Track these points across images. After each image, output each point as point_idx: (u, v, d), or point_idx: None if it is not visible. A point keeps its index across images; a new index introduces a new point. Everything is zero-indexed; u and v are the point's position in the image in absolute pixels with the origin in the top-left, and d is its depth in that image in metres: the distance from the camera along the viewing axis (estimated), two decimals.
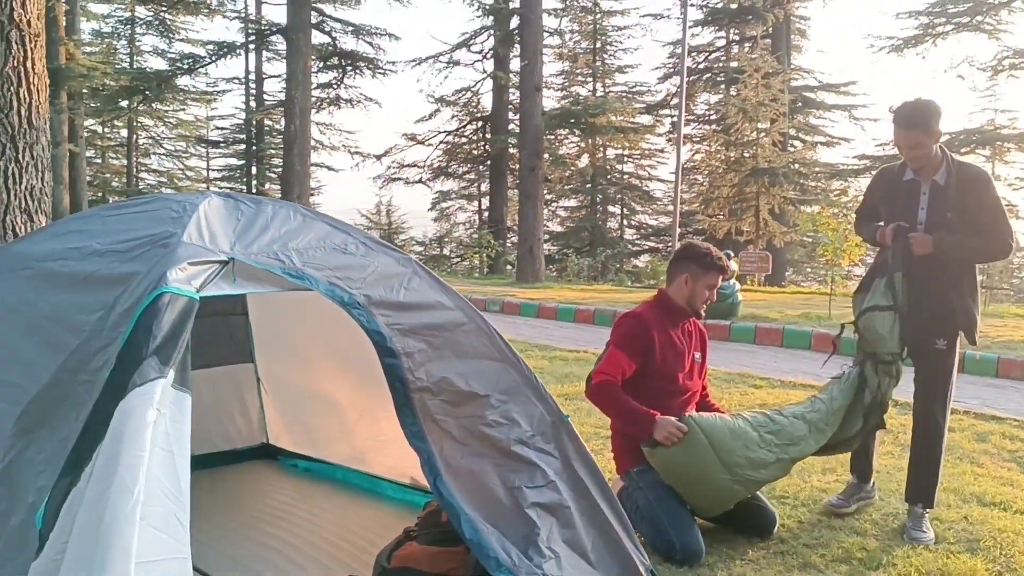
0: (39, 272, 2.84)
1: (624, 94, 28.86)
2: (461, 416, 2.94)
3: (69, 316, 2.56)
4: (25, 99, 5.45)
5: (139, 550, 2.00)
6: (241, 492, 4.10)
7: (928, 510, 3.85)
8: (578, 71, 30.34)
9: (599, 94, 28.43)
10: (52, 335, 2.55)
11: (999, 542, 3.66)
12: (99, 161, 37.61)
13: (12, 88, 5.38)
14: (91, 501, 2.04)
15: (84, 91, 25.22)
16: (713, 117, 28.11)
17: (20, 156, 5.43)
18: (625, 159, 30.76)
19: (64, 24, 23.90)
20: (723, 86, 27.79)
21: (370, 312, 2.84)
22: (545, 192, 30.05)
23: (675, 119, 22.97)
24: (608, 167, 29.81)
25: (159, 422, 2.17)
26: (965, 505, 4.10)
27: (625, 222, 31.73)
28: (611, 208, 31.17)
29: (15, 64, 5.38)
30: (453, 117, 27.68)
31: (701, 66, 28.59)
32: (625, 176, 30.66)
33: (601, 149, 29.23)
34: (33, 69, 5.52)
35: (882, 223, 3.91)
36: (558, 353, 8.40)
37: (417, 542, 3.14)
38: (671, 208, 30.06)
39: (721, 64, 28.91)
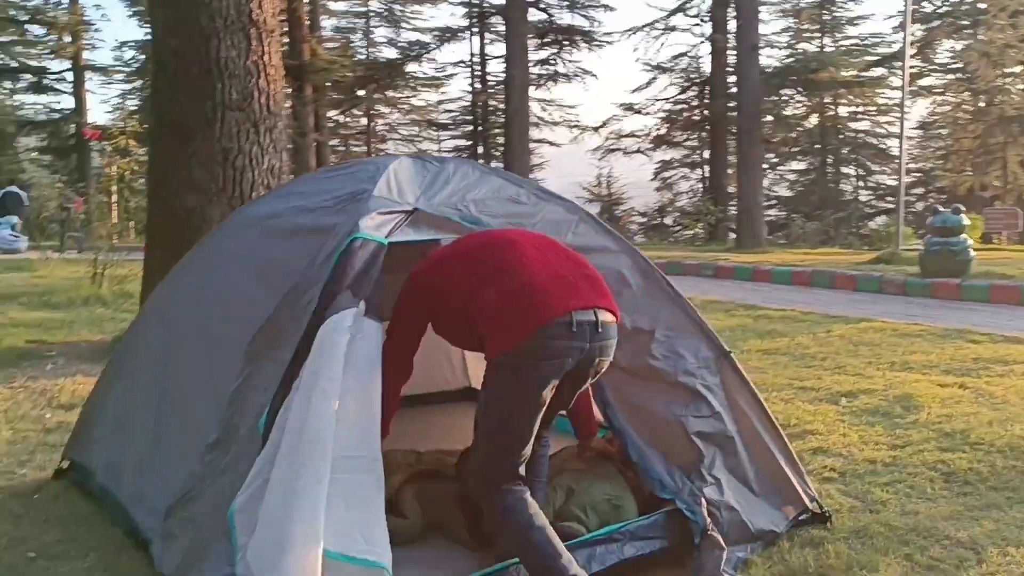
0: (265, 228, 3.35)
1: (856, 47, 27.20)
2: (628, 350, 3.15)
3: (286, 263, 3.01)
4: (264, 88, 6.21)
5: (337, 445, 2.41)
6: (451, 427, 4.45)
7: None
8: (804, 27, 28.96)
9: (828, 49, 27.08)
10: (273, 279, 3.01)
11: None
12: (342, 149, 40.45)
13: (253, 80, 6.15)
14: (299, 406, 2.47)
15: (327, 84, 27.35)
16: (958, 65, 25.92)
17: (262, 139, 6.20)
18: (859, 116, 29.01)
19: (307, 23, 25.93)
20: (968, 30, 25.55)
21: None
22: (771, 155, 29.13)
23: (912, 70, 21.53)
24: (840, 126, 28.29)
25: (353, 343, 2.57)
26: None
27: (860, 183, 30.01)
28: (844, 169, 29.58)
29: (255, 58, 6.14)
30: (671, 84, 27.41)
31: (941, 10, 26.40)
32: (859, 135, 28.94)
33: (832, 107, 27.81)
34: (270, 62, 6.27)
35: None
36: (764, 312, 8.35)
37: None
38: (912, 166, 28.15)
39: (967, 6, 26.57)
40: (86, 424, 3.79)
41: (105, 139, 8.98)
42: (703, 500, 2.99)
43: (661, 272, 3.36)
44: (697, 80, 27.15)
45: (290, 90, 24.46)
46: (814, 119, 28.07)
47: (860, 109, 28.25)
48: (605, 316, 2.62)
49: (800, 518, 3.24)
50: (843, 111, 28.21)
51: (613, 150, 28.57)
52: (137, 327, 3.90)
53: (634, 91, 27.38)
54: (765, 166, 29.17)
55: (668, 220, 30.26)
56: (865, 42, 27.25)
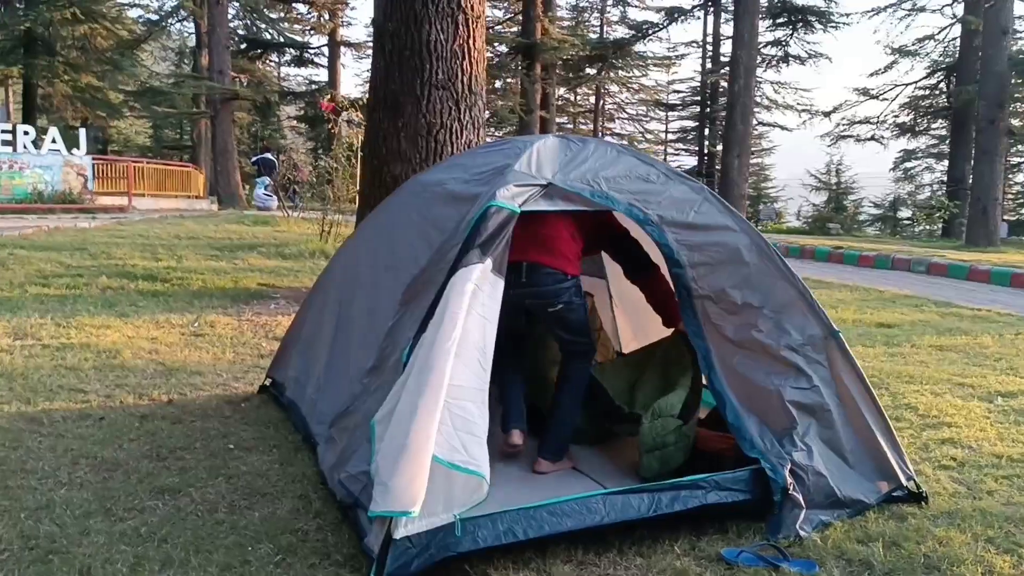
0: (432, 194, 3.90)
1: None
2: (736, 322, 3.45)
3: (441, 223, 3.54)
4: (467, 70, 6.83)
5: (452, 375, 2.90)
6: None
7: None
8: None
9: None
10: (431, 237, 3.55)
11: None
12: (570, 126, 41.30)
13: (458, 62, 6.78)
14: (427, 341, 2.98)
15: (558, 62, 28.10)
16: None
17: (462, 116, 6.83)
18: None
19: (541, 2, 26.71)
20: None
21: (661, 229, 3.46)
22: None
23: None
24: None
25: (476, 294, 3.05)
26: None
27: None
28: None
29: (460, 42, 6.76)
30: (913, 69, 25.85)
31: None
32: None
33: None
34: (474, 46, 6.87)
35: None
36: (957, 310, 8.05)
37: (704, 428, 3.73)
38: None
39: None
40: (284, 348, 4.57)
41: (337, 112, 10.02)
42: (789, 462, 3.24)
43: (779, 253, 3.59)
44: (944, 65, 25.43)
45: (520, 68, 25.44)
46: None
47: None
48: (532, 268, 3.34)
49: (895, 494, 3.41)
50: None
51: (844, 136, 27.37)
52: (329, 269, 4.63)
53: (871, 75, 26.12)
54: (1021, 160, 26.93)
55: (904, 213, 28.62)
56: None
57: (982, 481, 3.65)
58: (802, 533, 3.11)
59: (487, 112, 33.29)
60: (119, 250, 9.67)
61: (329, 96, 12.69)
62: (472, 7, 6.84)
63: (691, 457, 3.54)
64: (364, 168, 7.37)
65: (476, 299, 3.06)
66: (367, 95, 8.37)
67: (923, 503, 3.39)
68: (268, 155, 22.86)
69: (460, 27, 6.76)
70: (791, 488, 3.18)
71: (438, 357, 2.91)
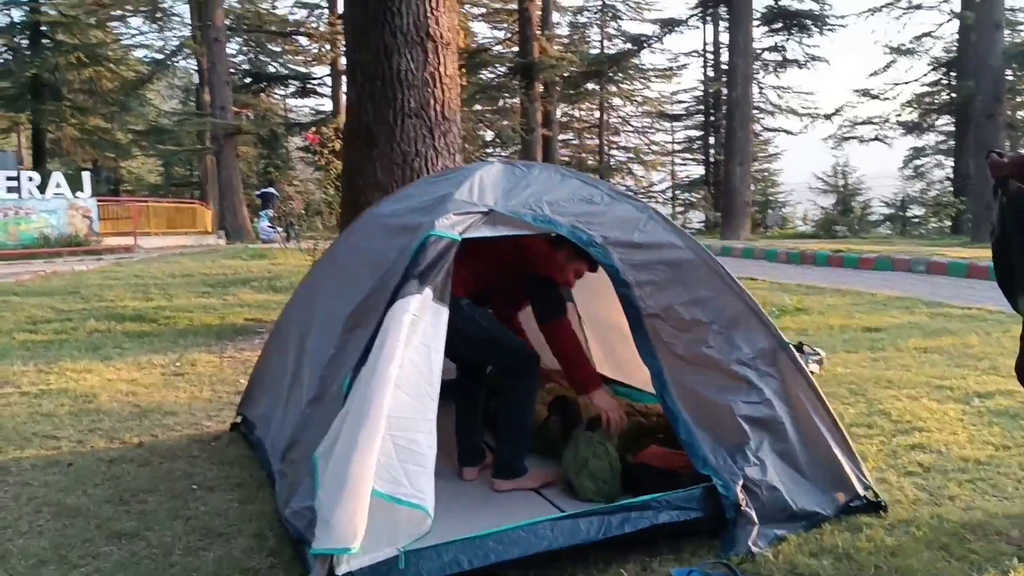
0: (384, 226, 3.93)
1: None
2: (686, 339, 3.44)
3: (386, 254, 3.55)
4: (439, 97, 6.88)
5: (392, 408, 2.91)
6: None
7: None
8: None
9: None
10: (376, 267, 3.54)
11: None
12: (576, 142, 41.39)
13: (429, 89, 6.83)
14: (367, 372, 3.00)
15: (556, 79, 28.22)
16: None
17: (436, 143, 6.88)
18: None
19: (538, 21, 26.86)
20: None
21: (606, 250, 3.47)
22: None
23: None
24: None
25: (416, 324, 3.06)
26: None
27: None
28: None
29: (431, 70, 6.82)
30: (912, 67, 25.77)
31: None
32: None
33: None
34: (445, 72, 6.92)
35: None
36: (947, 310, 7.97)
37: (660, 445, 3.71)
38: None
39: None
40: (252, 383, 4.60)
41: (322, 144, 10.08)
42: (741, 478, 3.22)
43: (725, 267, 3.58)
44: (945, 61, 25.33)
45: (519, 87, 25.57)
46: None
47: None
48: None
49: (852, 504, 3.37)
50: None
51: (848, 138, 27.28)
52: (292, 301, 4.66)
53: (871, 75, 26.10)
54: None
55: (915, 211, 28.41)
56: None
57: (945, 486, 3.61)
58: (755, 549, 3.08)
59: (490, 133, 33.48)
60: (112, 292, 9.77)
61: (314, 128, 12.76)
62: (441, 35, 6.89)
63: (648, 475, 3.54)
64: (343, 199, 7.43)
65: (416, 329, 3.07)
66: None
67: (882, 512, 3.36)
68: (271, 189, 23.12)
69: (430, 55, 6.81)
70: (744, 504, 3.16)
71: (377, 390, 2.92)
